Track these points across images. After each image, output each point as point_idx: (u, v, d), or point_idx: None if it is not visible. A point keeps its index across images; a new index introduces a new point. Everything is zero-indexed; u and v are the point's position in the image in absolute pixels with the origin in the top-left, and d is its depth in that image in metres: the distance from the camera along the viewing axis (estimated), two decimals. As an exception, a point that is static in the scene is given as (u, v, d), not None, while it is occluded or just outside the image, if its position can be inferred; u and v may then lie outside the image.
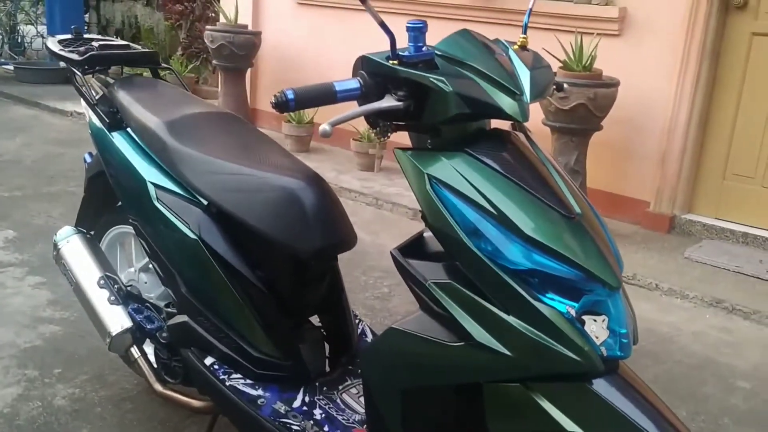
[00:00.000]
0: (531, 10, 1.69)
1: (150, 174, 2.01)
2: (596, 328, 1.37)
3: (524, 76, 1.49)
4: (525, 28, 1.67)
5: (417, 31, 1.38)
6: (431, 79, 1.35)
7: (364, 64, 1.41)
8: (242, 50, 5.90)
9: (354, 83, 1.39)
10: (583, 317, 1.36)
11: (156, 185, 1.98)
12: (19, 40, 9.51)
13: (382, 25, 1.33)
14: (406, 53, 1.37)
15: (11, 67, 8.66)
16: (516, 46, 1.61)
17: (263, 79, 6.56)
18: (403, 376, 1.51)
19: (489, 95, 1.39)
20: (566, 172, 4.18)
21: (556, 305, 1.35)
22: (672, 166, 4.36)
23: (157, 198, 1.96)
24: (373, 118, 1.43)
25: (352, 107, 1.39)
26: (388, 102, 1.36)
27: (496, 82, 1.41)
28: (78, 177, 4.77)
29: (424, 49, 1.39)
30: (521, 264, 1.35)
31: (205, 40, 6.02)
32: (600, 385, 1.37)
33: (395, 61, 1.37)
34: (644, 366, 2.95)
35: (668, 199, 4.41)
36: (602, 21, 4.42)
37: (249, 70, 6.27)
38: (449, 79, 1.36)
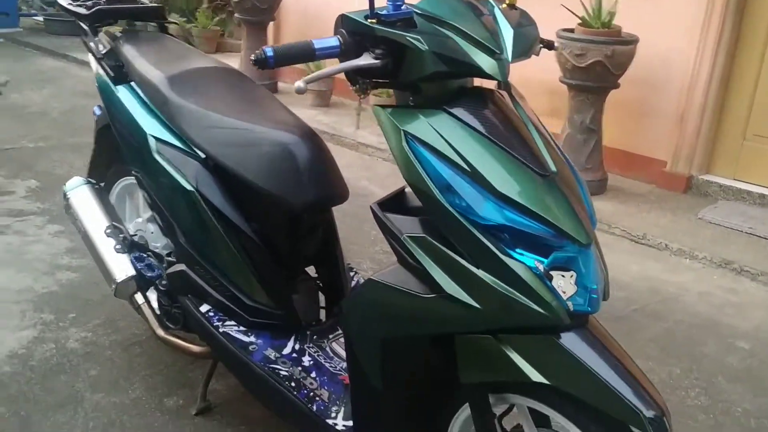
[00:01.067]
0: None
1: (151, 127, 2.07)
2: (564, 283, 1.40)
3: (508, 35, 1.50)
4: (511, -15, 1.67)
5: (397, -11, 1.40)
6: (408, 38, 1.37)
7: (343, 22, 1.43)
8: (264, 3, 5.90)
9: (333, 41, 1.42)
10: (552, 273, 1.39)
11: (156, 138, 2.04)
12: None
13: None
14: (385, 12, 1.39)
15: (41, 19, 8.76)
16: (504, 5, 1.62)
17: (286, 33, 6.56)
18: (380, 326, 1.57)
19: (467, 54, 1.41)
20: (582, 129, 4.16)
21: (525, 260, 1.38)
22: (691, 126, 4.31)
23: (157, 151, 2.02)
24: (352, 76, 1.45)
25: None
26: (366, 60, 1.39)
27: (476, 41, 1.42)
28: (100, 129, 4.87)
29: (403, 8, 1.41)
30: (492, 220, 1.39)
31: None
32: (567, 339, 1.41)
33: (374, 20, 1.39)
34: (645, 325, 2.98)
35: (686, 159, 4.36)
36: (624, -24, 4.34)
37: (271, 23, 6.27)
38: (426, 38, 1.38)
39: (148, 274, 2.14)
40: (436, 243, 1.43)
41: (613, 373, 1.39)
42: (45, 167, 4.28)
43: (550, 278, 1.39)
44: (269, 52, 1.37)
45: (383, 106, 1.47)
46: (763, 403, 2.52)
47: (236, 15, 6.25)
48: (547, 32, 4.51)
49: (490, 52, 1.43)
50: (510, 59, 1.48)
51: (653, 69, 4.34)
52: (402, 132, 1.43)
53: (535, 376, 1.41)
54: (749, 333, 2.98)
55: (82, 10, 2.29)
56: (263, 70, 1.39)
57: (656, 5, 4.31)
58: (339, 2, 6.23)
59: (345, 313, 1.64)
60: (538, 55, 1.72)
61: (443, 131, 1.42)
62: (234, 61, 5.66)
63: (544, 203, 1.40)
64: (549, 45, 1.83)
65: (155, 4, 2.49)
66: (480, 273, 1.40)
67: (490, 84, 1.57)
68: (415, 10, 1.44)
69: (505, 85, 1.63)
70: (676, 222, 3.97)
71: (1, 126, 5.05)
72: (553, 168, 1.46)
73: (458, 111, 1.45)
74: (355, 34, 1.42)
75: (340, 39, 1.42)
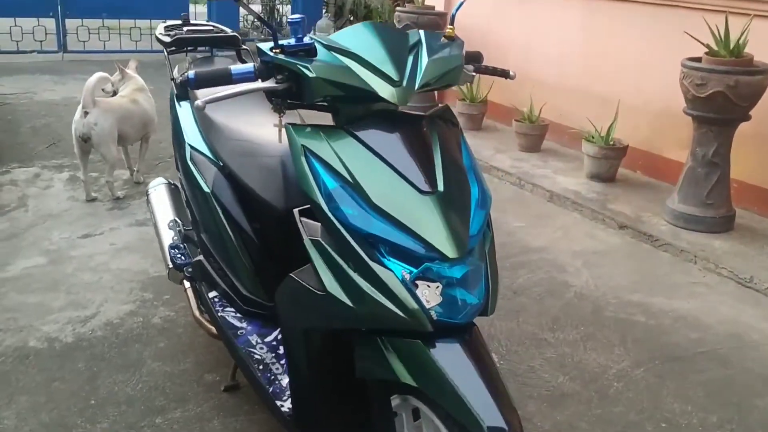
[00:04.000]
0: (461, 5, 1.82)
1: (190, 137, 2.44)
2: (429, 293, 1.51)
3: (423, 64, 1.65)
4: (452, 20, 1.81)
5: (296, 25, 1.61)
6: (298, 66, 1.57)
7: (258, 51, 1.67)
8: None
9: (249, 67, 1.65)
10: (418, 282, 1.51)
11: (191, 146, 2.41)
12: (279, 20, 10.58)
13: (261, 19, 1.58)
14: (287, 43, 1.61)
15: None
16: (444, 38, 1.77)
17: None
18: (299, 318, 1.77)
19: (363, 80, 1.58)
20: (704, 163, 3.90)
21: (393, 268, 1.52)
22: (838, 165, 3.91)
23: (190, 157, 2.39)
24: (268, 97, 1.68)
25: None
26: (268, 83, 1.62)
27: (376, 69, 1.59)
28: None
29: (306, 39, 1.61)
30: (365, 229, 1.53)
31: (394, 21, 6.42)
32: (438, 347, 1.52)
33: (277, 50, 1.61)
34: (703, 369, 2.82)
35: (831, 201, 3.96)
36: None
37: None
38: (315, 66, 1.57)
39: (178, 262, 2.51)
40: (326, 246, 1.60)
41: (469, 384, 1.48)
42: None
43: (416, 287, 1.51)
44: (191, 75, 1.63)
45: (293, 125, 1.67)
46: (796, 465, 2.32)
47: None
48: (672, 61, 4.29)
49: (389, 80, 1.58)
50: (416, 86, 1.62)
51: (794, 101, 3.99)
52: (302, 147, 1.63)
53: (405, 378, 1.54)
54: (824, 392, 2.71)
55: (166, 39, 2.73)
56: (186, 89, 1.66)
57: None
58: (497, 30, 6.39)
59: (277, 305, 1.85)
60: (471, 82, 1.83)
61: (337, 148, 1.60)
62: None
63: (416, 218, 1.52)
64: (504, 74, 1.93)
65: (231, 33, 2.86)
66: (355, 276, 1.55)
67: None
68: (319, 41, 1.63)
69: (446, 111, 1.77)
70: (798, 267, 3.63)
71: (168, 139, 5.84)
72: (440, 188, 1.56)
73: (360, 132, 1.62)
74: (266, 62, 1.64)
75: (255, 65, 1.65)
